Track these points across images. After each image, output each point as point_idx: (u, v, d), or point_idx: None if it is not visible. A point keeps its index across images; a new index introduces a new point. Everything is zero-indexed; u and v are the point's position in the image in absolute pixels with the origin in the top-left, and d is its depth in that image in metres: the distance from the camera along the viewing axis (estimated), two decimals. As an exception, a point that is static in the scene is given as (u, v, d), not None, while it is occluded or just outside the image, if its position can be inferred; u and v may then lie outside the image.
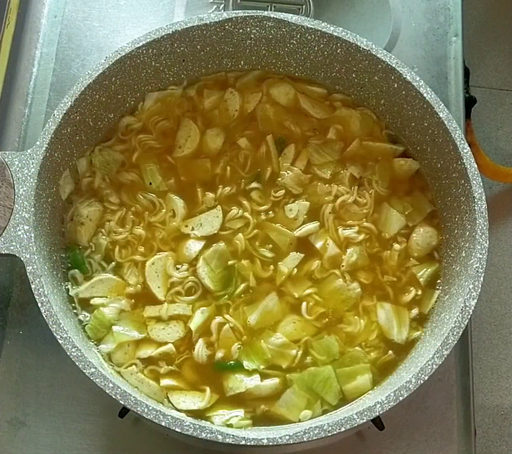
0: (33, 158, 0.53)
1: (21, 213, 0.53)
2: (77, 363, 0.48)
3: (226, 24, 0.58)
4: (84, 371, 0.48)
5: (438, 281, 0.58)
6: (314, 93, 0.63)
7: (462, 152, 0.55)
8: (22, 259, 0.52)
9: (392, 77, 0.57)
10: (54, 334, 0.49)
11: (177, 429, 0.48)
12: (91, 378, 0.48)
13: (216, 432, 0.47)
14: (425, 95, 0.56)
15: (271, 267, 0.57)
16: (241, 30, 0.58)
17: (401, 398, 0.49)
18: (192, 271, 0.57)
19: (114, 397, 0.48)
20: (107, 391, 0.48)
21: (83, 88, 0.55)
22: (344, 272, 0.57)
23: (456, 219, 0.56)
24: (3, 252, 0.52)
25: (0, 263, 0.63)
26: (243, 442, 0.48)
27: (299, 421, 0.53)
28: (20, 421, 0.59)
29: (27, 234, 0.52)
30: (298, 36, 0.58)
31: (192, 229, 0.58)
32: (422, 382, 0.49)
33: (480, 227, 0.53)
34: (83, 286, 0.56)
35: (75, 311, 0.56)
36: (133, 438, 0.59)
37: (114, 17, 0.72)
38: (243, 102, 0.62)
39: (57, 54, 0.70)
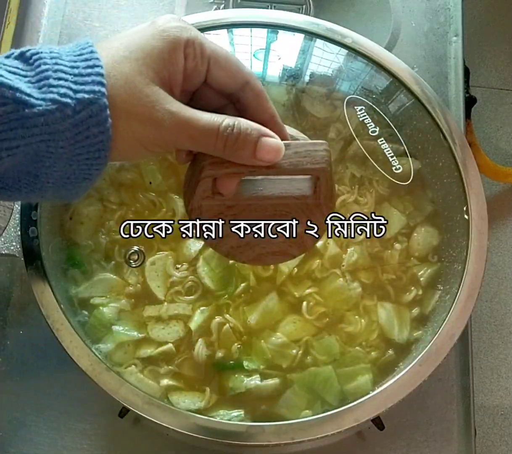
0: (33, 158, 0.53)
1: (21, 212, 0.53)
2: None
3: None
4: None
5: (439, 280, 0.58)
6: (315, 92, 0.63)
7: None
8: (22, 259, 0.52)
9: (393, 77, 0.57)
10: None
11: (177, 429, 0.48)
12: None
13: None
14: (425, 94, 0.56)
15: (272, 266, 0.57)
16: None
17: (401, 398, 0.49)
18: (192, 270, 0.57)
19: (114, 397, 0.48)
20: (107, 391, 0.48)
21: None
22: (345, 272, 0.57)
23: (457, 219, 0.56)
24: (3, 252, 0.52)
25: (0, 263, 0.63)
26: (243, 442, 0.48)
27: (300, 421, 0.53)
28: (20, 421, 0.59)
29: (27, 233, 0.52)
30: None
31: (192, 228, 0.58)
32: (422, 382, 0.50)
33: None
34: (82, 286, 0.56)
35: (74, 311, 0.56)
36: (133, 438, 0.59)
37: (114, 17, 0.72)
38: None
39: (57, 54, 0.70)
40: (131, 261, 0.54)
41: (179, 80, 0.36)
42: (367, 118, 0.56)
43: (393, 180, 0.56)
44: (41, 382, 0.60)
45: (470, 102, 0.85)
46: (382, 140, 0.56)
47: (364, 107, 0.56)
